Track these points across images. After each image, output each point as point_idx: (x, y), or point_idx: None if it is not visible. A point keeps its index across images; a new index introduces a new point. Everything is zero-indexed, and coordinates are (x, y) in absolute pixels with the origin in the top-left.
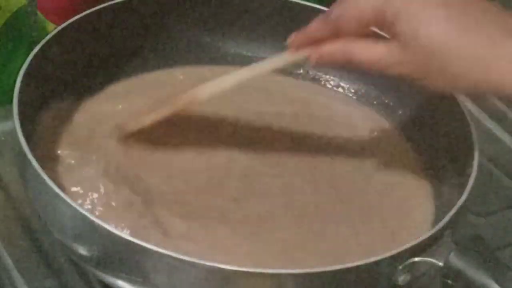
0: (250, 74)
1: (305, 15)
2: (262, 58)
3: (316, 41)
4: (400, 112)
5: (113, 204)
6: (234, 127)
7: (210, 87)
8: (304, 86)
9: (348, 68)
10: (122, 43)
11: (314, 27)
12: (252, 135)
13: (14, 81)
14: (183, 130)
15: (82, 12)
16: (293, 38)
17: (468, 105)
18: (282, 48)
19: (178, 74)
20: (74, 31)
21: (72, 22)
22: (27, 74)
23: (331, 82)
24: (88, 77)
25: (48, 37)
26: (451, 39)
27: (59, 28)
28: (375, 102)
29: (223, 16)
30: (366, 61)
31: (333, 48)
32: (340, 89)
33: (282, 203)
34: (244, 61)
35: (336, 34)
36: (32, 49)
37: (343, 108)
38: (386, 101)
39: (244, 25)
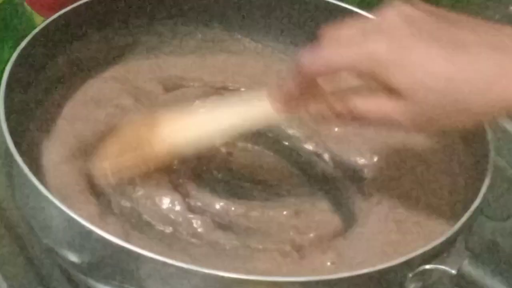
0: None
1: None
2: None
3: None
4: None
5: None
6: None
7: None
8: None
9: (352, 124)
10: (113, 36)
11: (293, 85)
12: None
13: (1, 75)
14: None
15: (70, 4)
16: (275, 95)
17: None
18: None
19: (170, 64)
20: (63, 24)
21: (61, 15)
22: (14, 68)
23: None
24: (78, 71)
25: (36, 30)
26: (456, 78)
27: (48, 21)
28: None
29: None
30: (374, 121)
31: (335, 106)
32: None
33: None
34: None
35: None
36: (19, 42)
37: None
38: None
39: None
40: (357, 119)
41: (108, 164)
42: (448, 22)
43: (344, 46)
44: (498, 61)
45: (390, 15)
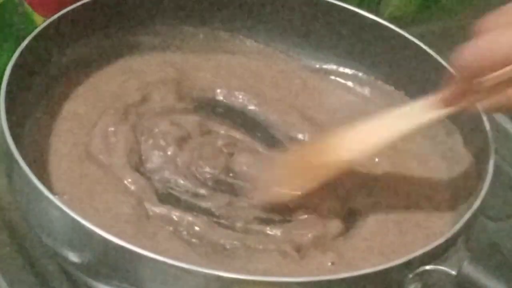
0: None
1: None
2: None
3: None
4: None
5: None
6: None
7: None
8: None
9: None
10: (113, 36)
11: (454, 85)
12: None
13: (1, 75)
14: None
15: (70, 4)
16: (439, 97)
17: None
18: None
19: (170, 63)
20: (64, 24)
21: (62, 15)
22: (15, 68)
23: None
24: (78, 71)
25: (37, 30)
26: None
27: (48, 21)
28: None
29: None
30: None
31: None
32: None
33: None
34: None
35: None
36: (19, 43)
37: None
38: None
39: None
40: None
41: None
42: None
43: (500, 34)
44: None
45: None
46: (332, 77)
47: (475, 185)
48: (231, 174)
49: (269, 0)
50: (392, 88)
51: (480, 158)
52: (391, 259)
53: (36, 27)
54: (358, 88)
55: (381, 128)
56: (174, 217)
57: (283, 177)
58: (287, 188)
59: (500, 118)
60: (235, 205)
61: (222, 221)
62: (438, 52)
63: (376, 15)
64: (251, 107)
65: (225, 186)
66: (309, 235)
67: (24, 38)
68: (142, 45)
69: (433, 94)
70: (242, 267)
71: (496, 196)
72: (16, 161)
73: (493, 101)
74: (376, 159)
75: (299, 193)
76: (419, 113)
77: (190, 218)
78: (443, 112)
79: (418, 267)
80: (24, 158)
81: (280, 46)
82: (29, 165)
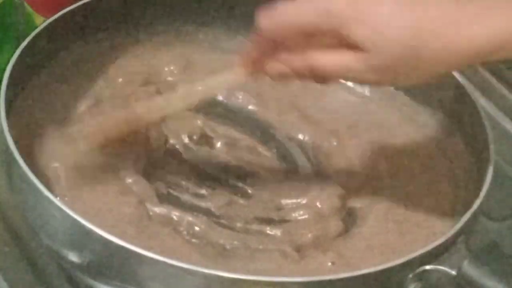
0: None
1: None
2: None
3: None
4: None
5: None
6: None
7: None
8: None
9: (311, 81)
10: (113, 35)
11: (254, 47)
12: None
13: (1, 75)
14: None
15: (70, 4)
16: (239, 58)
17: (486, 106)
18: None
19: (171, 63)
20: (64, 24)
21: (62, 15)
22: (15, 68)
23: None
24: (78, 71)
25: (37, 30)
26: (422, 27)
27: (48, 21)
28: None
29: None
30: (334, 74)
31: (294, 63)
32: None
33: None
34: None
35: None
36: (19, 43)
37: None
38: None
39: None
40: (316, 75)
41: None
42: None
43: (302, 3)
44: (462, 7)
45: None
46: None
47: (475, 185)
48: (231, 174)
49: (269, 1)
50: (392, 88)
51: (480, 158)
52: (391, 259)
53: (36, 27)
54: (358, 88)
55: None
56: (174, 217)
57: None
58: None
59: (500, 118)
60: (235, 205)
61: (222, 221)
62: None
63: None
64: (251, 107)
65: (225, 186)
66: (309, 235)
67: (24, 38)
68: (142, 45)
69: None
70: (242, 267)
71: (496, 196)
72: (16, 161)
73: (275, 67)
74: (376, 159)
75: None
76: (222, 74)
77: (190, 218)
78: (240, 75)
79: (418, 267)
80: (24, 158)
81: None
82: (29, 165)
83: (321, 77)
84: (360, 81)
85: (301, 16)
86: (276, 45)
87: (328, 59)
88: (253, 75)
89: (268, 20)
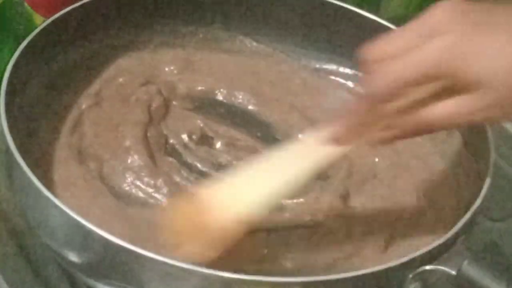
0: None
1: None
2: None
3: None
4: None
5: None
6: None
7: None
8: None
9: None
10: (113, 35)
11: (355, 116)
12: None
13: (1, 75)
14: None
15: (70, 4)
16: (338, 132)
17: None
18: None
19: (171, 63)
20: (64, 24)
21: (62, 15)
22: (15, 68)
23: None
24: (78, 71)
25: (37, 30)
26: None
27: (48, 21)
28: None
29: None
30: (446, 123)
31: (406, 124)
32: None
33: None
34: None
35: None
36: (19, 43)
37: None
38: None
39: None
40: (426, 129)
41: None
42: (490, 11)
43: (406, 56)
44: None
45: (438, 12)
46: (332, 77)
47: (475, 185)
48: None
49: (269, 0)
50: None
51: (480, 158)
52: (391, 259)
53: (36, 27)
54: (358, 88)
55: (271, 177)
56: None
57: (184, 234)
58: (196, 248)
59: None
60: None
61: None
62: None
63: (376, 15)
64: (251, 107)
65: None
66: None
67: (24, 38)
68: (142, 45)
69: (323, 130)
70: None
71: (496, 196)
72: (16, 161)
73: (385, 132)
74: (376, 159)
75: (213, 255)
76: (310, 154)
77: None
78: (336, 151)
79: (418, 267)
80: (24, 158)
81: (280, 46)
82: (29, 165)
83: (429, 130)
84: (470, 123)
85: (413, 67)
86: (380, 107)
87: (438, 109)
88: (352, 145)
89: (378, 83)
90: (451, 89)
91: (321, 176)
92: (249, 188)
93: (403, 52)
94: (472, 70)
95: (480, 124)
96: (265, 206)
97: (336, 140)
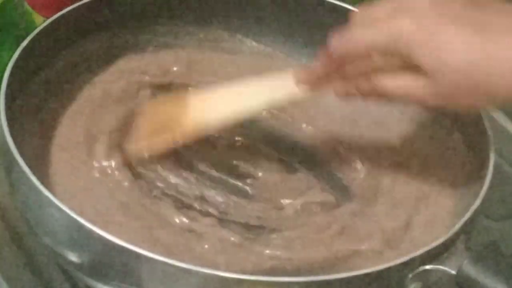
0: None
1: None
2: None
3: (326, 78)
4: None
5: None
6: None
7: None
8: None
9: (375, 101)
10: (113, 35)
11: (321, 66)
12: None
13: (2, 75)
14: None
15: (70, 4)
16: (302, 75)
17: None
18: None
19: (171, 63)
20: (64, 24)
21: (62, 15)
22: (15, 68)
23: None
24: (79, 71)
25: (37, 30)
26: (480, 62)
27: (49, 21)
28: None
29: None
30: (397, 97)
31: (360, 84)
32: None
33: None
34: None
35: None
36: (19, 43)
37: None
38: None
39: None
40: (381, 96)
41: (140, 143)
42: (477, 6)
43: (373, 26)
44: None
45: None
46: None
47: (475, 185)
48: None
49: (269, 0)
50: None
51: (480, 158)
52: (391, 259)
53: (36, 27)
54: None
55: (240, 97)
56: (175, 218)
57: (142, 131)
58: (141, 144)
59: (500, 118)
60: (235, 205)
61: (222, 221)
62: None
63: None
64: None
65: (225, 186)
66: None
67: (24, 38)
68: (142, 45)
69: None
70: None
71: (496, 196)
72: (16, 161)
73: (343, 87)
74: (376, 159)
75: (147, 153)
76: (280, 86)
77: (186, 220)
78: (302, 92)
79: (418, 267)
80: (24, 158)
81: (280, 46)
82: (29, 165)
83: (385, 98)
84: (422, 104)
85: (373, 36)
86: (343, 64)
87: (392, 82)
88: (313, 91)
89: (341, 40)
90: (409, 67)
91: (321, 176)
92: (221, 101)
93: (375, 21)
94: (421, 59)
95: (434, 108)
96: (227, 119)
97: (304, 82)
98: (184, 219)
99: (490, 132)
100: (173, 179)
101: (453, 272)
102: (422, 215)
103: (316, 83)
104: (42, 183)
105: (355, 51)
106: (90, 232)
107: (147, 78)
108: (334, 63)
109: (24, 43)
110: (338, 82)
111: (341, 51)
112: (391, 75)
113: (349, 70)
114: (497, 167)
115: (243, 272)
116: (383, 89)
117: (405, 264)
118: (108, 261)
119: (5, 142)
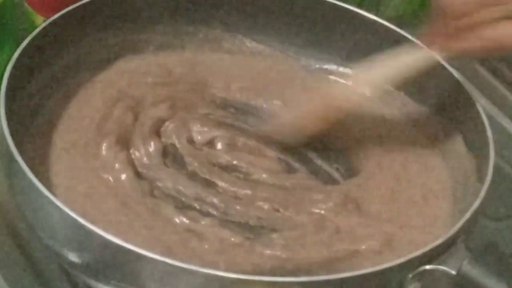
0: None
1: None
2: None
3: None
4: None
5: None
6: None
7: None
8: None
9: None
10: (114, 35)
11: (440, 24)
12: None
13: (1, 75)
14: None
15: (70, 4)
16: (426, 38)
17: (486, 106)
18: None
19: (170, 63)
20: (64, 24)
21: (62, 15)
22: (15, 68)
23: None
24: (79, 70)
25: (37, 30)
26: None
27: (49, 21)
28: None
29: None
30: (508, 41)
31: (478, 39)
32: None
33: None
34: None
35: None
36: (19, 42)
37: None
38: None
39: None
40: (492, 46)
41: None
42: None
43: None
44: None
45: None
46: (332, 77)
47: (475, 185)
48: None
49: (269, 1)
50: (392, 88)
51: (480, 158)
52: (391, 259)
53: (36, 27)
54: (358, 88)
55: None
56: (177, 220)
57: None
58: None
59: (500, 118)
60: (235, 205)
61: (222, 221)
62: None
63: (376, 15)
64: (251, 107)
65: (225, 186)
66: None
67: (24, 38)
68: (142, 45)
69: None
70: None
71: (496, 196)
72: (16, 161)
73: (467, 44)
74: (376, 159)
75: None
76: (412, 54)
77: (186, 220)
78: (432, 53)
79: (418, 267)
80: (24, 158)
81: (280, 46)
82: (29, 165)
83: (495, 47)
84: None
85: None
86: (455, 23)
87: (503, 29)
88: (442, 51)
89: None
90: None
91: (322, 176)
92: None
93: None
94: None
95: None
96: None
97: (437, 42)
98: (184, 219)
99: (490, 132)
100: (173, 179)
101: (453, 272)
102: (422, 215)
103: (445, 40)
104: (42, 183)
105: (467, 3)
106: (91, 232)
107: (149, 79)
108: (446, 22)
109: (24, 43)
110: (456, 40)
111: (455, 5)
112: (500, 23)
113: (458, 25)
114: (497, 167)
115: (243, 272)
116: (494, 35)
117: (405, 264)
118: (108, 261)
119: (5, 142)
